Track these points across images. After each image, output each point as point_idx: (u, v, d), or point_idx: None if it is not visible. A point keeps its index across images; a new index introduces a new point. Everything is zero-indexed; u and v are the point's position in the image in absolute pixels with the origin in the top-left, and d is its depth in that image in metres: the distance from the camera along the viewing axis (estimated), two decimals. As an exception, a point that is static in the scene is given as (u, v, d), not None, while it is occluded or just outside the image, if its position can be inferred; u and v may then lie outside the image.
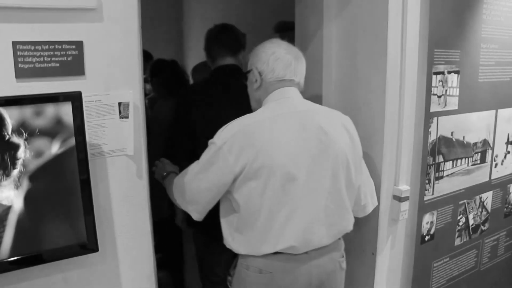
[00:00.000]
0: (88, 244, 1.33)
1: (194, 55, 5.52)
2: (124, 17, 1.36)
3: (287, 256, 1.52)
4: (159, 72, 3.14)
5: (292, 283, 1.54)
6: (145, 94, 3.08)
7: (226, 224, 1.56)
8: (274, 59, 1.55)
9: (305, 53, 2.18)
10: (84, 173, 1.28)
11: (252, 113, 1.55)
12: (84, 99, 1.31)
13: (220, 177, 1.46)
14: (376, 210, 1.96)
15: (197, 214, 1.56)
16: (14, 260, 1.23)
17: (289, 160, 1.45)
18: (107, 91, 1.37)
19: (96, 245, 1.35)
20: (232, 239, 1.55)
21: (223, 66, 2.23)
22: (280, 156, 1.44)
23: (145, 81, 3.32)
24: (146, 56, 4.34)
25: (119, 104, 1.39)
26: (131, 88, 1.40)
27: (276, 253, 1.51)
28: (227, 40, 2.24)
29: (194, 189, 1.52)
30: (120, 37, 1.36)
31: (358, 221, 2.08)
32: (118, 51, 1.37)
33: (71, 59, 1.30)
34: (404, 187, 1.98)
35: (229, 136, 1.45)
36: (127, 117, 1.40)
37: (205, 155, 1.50)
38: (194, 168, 1.53)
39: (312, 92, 2.18)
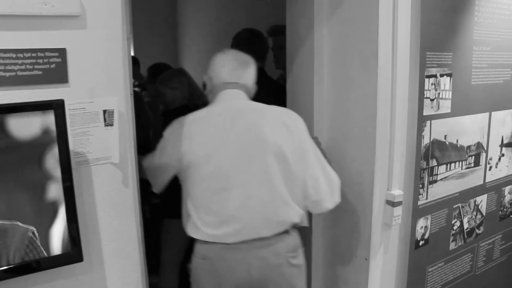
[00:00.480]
0: (72, 254, 1.31)
1: (188, 60, 5.51)
2: (108, 24, 1.34)
3: (225, 244, 1.64)
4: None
5: (230, 271, 1.65)
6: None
7: (183, 208, 1.76)
8: (220, 65, 1.78)
9: (297, 56, 2.19)
10: (67, 181, 1.26)
11: (196, 110, 1.76)
12: (67, 107, 1.29)
13: (164, 162, 1.73)
14: (369, 215, 1.94)
15: (155, 187, 1.83)
16: (-3, 271, 1.20)
17: (217, 153, 1.63)
18: (91, 98, 1.35)
19: (80, 255, 1.33)
20: (185, 222, 1.74)
21: None
22: (209, 149, 1.63)
23: (141, 86, 3.30)
24: (135, 61, 4.33)
25: (104, 111, 1.37)
26: (116, 95, 1.38)
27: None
28: (257, 46, 2.52)
29: (152, 167, 1.79)
30: (105, 44, 1.34)
31: (349, 225, 2.07)
32: (103, 58, 1.35)
33: (54, 66, 1.28)
34: (397, 192, 1.96)
35: (172, 130, 1.73)
36: (112, 125, 1.38)
37: (159, 143, 1.78)
38: (154, 152, 1.80)
39: (304, 95, 2.16)
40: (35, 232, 1.25)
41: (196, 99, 2.71)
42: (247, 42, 2.57)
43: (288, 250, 1.71)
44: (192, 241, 1.77)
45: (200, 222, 1.66)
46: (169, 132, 1.74)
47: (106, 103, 1.37)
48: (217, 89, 1.77)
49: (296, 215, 1.70)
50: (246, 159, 1.62)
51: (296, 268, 1.75)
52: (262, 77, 2.51)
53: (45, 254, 1.27)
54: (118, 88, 1.39)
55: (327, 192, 1.74)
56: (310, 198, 1.73)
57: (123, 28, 1.39)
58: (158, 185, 1.82)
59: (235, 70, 1.76)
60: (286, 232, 1.71)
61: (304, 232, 2.27)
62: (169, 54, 5.55)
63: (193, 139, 1.65)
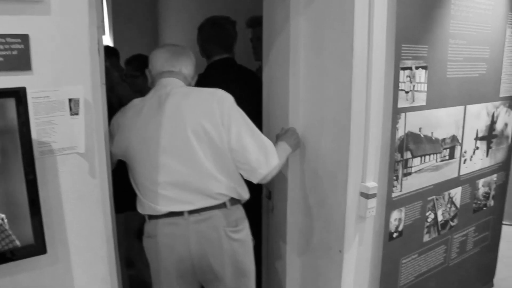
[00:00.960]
0: (35, 246, 1.27)
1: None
2: (73, 10, 1.30)
3: (167, 220, 1.76)
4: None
5: (172, 248, 1.76)
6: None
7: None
8: (155, 58, 1.93)
9: (273, 48, 2.16)
10: (30, 174, 1.23)
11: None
12: (31, 95, 1.26)
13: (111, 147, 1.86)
14: (343, 207, 1.94)
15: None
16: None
17: (147, 135, 1.75)
18: (56, 87, 1.31)
19: (44, 247, 1.29)
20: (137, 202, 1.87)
21: (218, 61, 2.53)
22: (137, 131, 1.77)
23: (134, 77, 3.20)
24: (113, 52, 4.20)
25: (70, 100, 1.33)
26: (82, 84, 1.34)
27: (156, 217, 1.77)
28: (220, 37, 2.52)
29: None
30: (70, 31, 1.30)
31: (324, 218, 2.07)
32: (68, 46, 1.31)
33: (16, 53, 1.24)
34: (372, 184, 1.96)
35: (114, 117, 1.88)
36: (77, 114, 1.34)
37: None
38: None
39: (279, 86, 2.15)
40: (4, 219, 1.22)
41: None
42: (208, 34, 2.56)
43: (227, 224, 1.79)
44: None
45: (142, 198, 1.80)
46: (112, 120, 1.88)
47: (71, 91, 1.33)
48: (154, 79, 1.91)
49: (223, 188, 1.78)
50: (171, 138, 1.73)
51: (238, 242, 1.82)
52: (229, 66, 2.51)
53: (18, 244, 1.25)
54: (84, 77, 1.35)
55: (260, 159, 1.79)
56: (242, 167, 1.80)
57: (91, 16, 1.35)
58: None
59: (168, 60, 1.89)
60: (223, 205, 1.79)
61: (279, 222, 2.28)
62: (150, 45, 5.47)
63: (126, 125, 1.80)
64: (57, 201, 1.37)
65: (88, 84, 1.35)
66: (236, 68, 2.60)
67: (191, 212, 1.76)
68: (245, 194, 1.89)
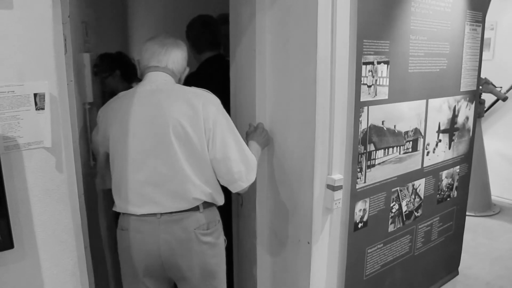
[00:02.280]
0: (1, 241, 1.27)
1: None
2: (36, 5, 1.30)
3: (137, 216, 1.76)
4: (118, 66, 3.02)
5: (142, 243, 1.77)
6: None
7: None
8: (144, 50, 1.86)
9: (239, 44, 2.19)
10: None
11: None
12: (-5, 90, 1.25)
13: (97, 138, 1.91)
14: (310, 200, 1.99)
15: (98, 164, 2.00)
16: None
17: (127, 130, 1.73)
18: (21, 81, 1.30)
19: (10, 242, 1.29)
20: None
21: (210, 58, 2.60)
22: (118, 124, 1.75)
23: (103, 77, 3.12)
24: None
25: (35, 95, 1.33)
26: (47, 78, 1.34)
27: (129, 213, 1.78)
28: (210, 36, 2.60)
29: (93, 143, 1.98)
30: (33, 25, 1.30)
31: (292, 211, 2.11)
32: (32, 40, 1.30)
33: (-22, 47, 1.23)
34: (337, 176, 2.01)
35: (102, 108, 1.88)
36: (43, 109, 1.34)
37: None
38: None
39: (246, 82, 2.18)
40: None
41: None
42: (196, 31, 2.61)
43: (197, 227, 1.78)
44: None
45: (116, 195, 1.80)
46: (100, 110, 1.88)
47: (36, 86, 1.33)
48: (143, 73, 1.86)
49: (200, 193, 1.76)
50: (151, 137, 1.72)
51: (208, 245, 1.81)
52: (217, 63, 2.53)
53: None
54: (49, 71, 1.35)
55: (242, 172, 1.78)
56: (223, 177, 1.79)
57: (55, 11, 1.35)
58: (99, 161, 1.98)
59: (155, 54, 1.83)
60: (196, 208, 1.78)
61: (248, 217, 2.31)
62: (119, 41, 5.41)
63: (109, 117, 1.80)
64: (24, 196, 1.36)
65: (53, 79, 1.35)
66: (227, 64, 2.64)
67: (163, 213, 1.75)
68: (220, 200, 1.86)
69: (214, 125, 1.73)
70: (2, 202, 1.26)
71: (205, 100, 1.75)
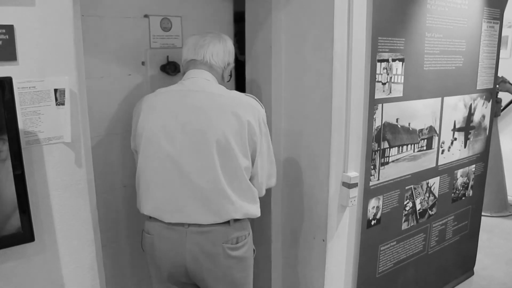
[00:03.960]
0: (23, 234, 1.30)
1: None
2: (58, 1, 1.32)
3: (165, 223, 1.65)
4: None
5: (167, 250, 1.67)
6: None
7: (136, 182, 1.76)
8: (184, 44, 1.77)
9: (255, 41, 2.21)
10: (18, 168, 1.25)
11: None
12: (17, 86, 1.28)
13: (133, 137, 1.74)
14: (325, 197, 1.99)
15: None
16: None
17: (162, 131, 1.60)
18: (42, 77, 1.33)
19: (31, 235, 1.32)
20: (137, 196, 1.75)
21: None
22: (154, 123, 1.62)
23: None
24: None
25: (55, 90, 1.36)
26: (67, 74, 1.37)
27: (156, 219, 1.67)
28: None
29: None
30: (54, 22, 1.33)
31: (307, 208, 2.12)
32: (53, 36, 1.33)
33: (1, 43, 1.26)
34: (353, 174, 2.01)
35: (138, 102, 1.74)
36: (63, 104, 1.37)
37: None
38: None
39: (262, 80, 2.19)
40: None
41: None
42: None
43: (226, 241, 1.65)
44: None
45: (144, 197, 1.68)
46: (136, 105, 1.74)
47: (57, 82, 1.36)
48: (183, 70, 1.77)
49: (238, 212, 1.65)
50: (191, 146, 1.59)
51: (236, 259, 1.69)
52: None
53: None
54: (69, 67, 1.38)
55: (263, 184, 1.75)
56: (256, 185, 1.73)
57: (75, 6, 1.38)
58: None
59: (193, 46, 1.72)
60: (227, 223, 1.65)
61: (262, 214, 2.32)
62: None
63: (145, 113, 1.66)
64: (44, 190, 1.39)
65: (73, 74, 1.38)
66: None
67: (192, 223, 1.64)
68: (256, 213, 1.73)
69: (260, 139, 1.67)
70: (23, 196, 1.28)
71: (253, 114, 1.64)
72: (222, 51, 1.73)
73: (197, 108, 1.60)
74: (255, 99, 1.72)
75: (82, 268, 1.52)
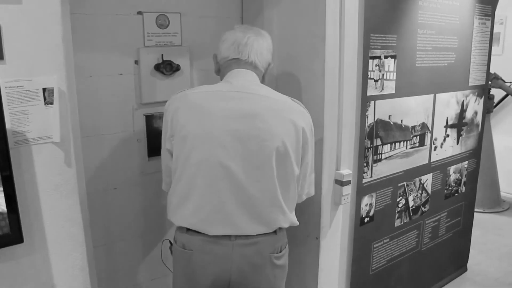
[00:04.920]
0: (11, 235, 1.28)
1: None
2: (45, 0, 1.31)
3: (208, 237, 1.51)
4: None
5: (210, 266, 1.53)
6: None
7: (170, 190, 1.62)
8: (222, 41, 1.61)
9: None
10: (6, 169, 1.24)
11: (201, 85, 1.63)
12: (4, 85, 1.26)
13: (165, 134, 1.58)
14: (318, 195, 1.99)
15: (165, 184, 1.70)
16: None
17: (212, 135, 1.47)
18: (30, 76, 1.31)
19: (20, 236, 1.30)
20: (168, 205, 1.62)
21: None
22: (203, 130, 1.48)
23: None
24: None
25: (44, 89, 1.34)
26: (56, 73, 1.35)
27: (198, 232, 1.53)
28: None
29: (162, 156, 1.66)
30: (42, 20, 1.31)
31: (301, 206, 2.11)
32: (41, 34, 1.31)
33: (-13, 42, 1.24)
34: (346, 171, 2.01)
35: (173, 98, 1.58)
36: (52, 103, 1.35)
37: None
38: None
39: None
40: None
41: None
42: None
43: (273, 250, 1.58)
44: None
45: (183, 207, 1.53)
46: (171, 102, 1.58)
47: (45, 81, 1.34)
48: (223, 69, 1.63)
49: (287, 221, 1.59)
50: (246, 150, 1.47)
51: (280, 268, 1.62)
52: None
53: None
54: (58, 66, 1.36)
55: (306, 191, 1.72)
56: (300, 193, 1.68)
57: (63, 4, 1.36)
58: (166, 181, 1.69)
59: (235, 44, 1.58)
60: (274, 232, 1.58)
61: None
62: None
63: (186, 112, 1.51)
64: (33, 191, 1.37)
65: (62, 73, 1.36)
66: None
67: (238, 235, 1.53)
68: (296, 220, 1.67)
69: (309, 146, 1.60)
70: (11, 196, 1.27)
71: (304, 121, 1.56)
72: (266, 49, 1.63)
73: (252, 113, 1.47)
74: (301, 105, 1.61)
75: (73, 269, 1.51)
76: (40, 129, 1.36)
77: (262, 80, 1.65)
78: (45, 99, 1.35)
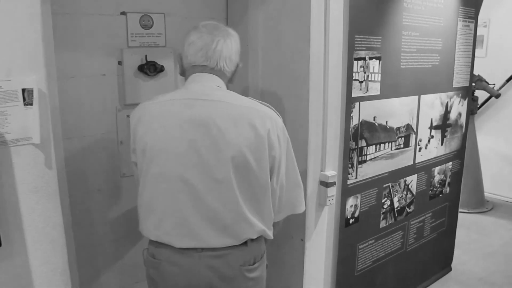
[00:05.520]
0: (-11, 239, 1.26)
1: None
2: (24, -2, 1.28)
3: (175, 249, 1.46)
4: None
5: (176, 277, 1.49)
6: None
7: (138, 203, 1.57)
8: (188, 43, 1.50)
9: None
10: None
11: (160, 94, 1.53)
12: (-19, 86, 1.23)
13: (130, 147, 1.54)
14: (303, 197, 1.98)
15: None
16: None
17: (169, 148, 1.41)
18: (8, 76, 1.29)
19: (-2, 239, 1.28)
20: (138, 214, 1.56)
21: None
22: (160, 142, 1.42)
23: None
24: None
25: (23, 90, 1.32)
26: (36, 73, 1.33)
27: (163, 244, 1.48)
28: None
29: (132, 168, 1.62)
30: (21, 20, 1.28)
31: (285, 208, 2.11)
32: (20, 34, 1.29)
33: (-36, 42, 1.22)
34: (331, 173, 2.01)
35: (135, 110, 1.52)
36: (31, 104, 1.33)
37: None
38: None
39: (238, 79, 2.16)
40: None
41: None
42: None
43: (244, 263, 1.51)
44: None
45: (148, 219, 1.49)
46: (134, 113, 1.52)
47: (25, 81, 1.31)
48: (187, 72, 1.53)
49: (254, 232, 1.49)
50: (203, 162, 1.40)
51: (253, 281, 1.55)
52: None
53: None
54: (38, 66, 1.33)
55: (284, 207, 1.62)
56: (274, 208, 1.57)
57: (44, 4, 1.34)
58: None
59: (203, 49, 1.47)
60: (244, 244, 1.50)
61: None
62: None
63: (145, 125, 1.45)
64: (12, 193, 1.34)
65: (42, 74, 1.33)
66: None
67: (206, 247, 1.47)
68: (271, 235, 1.59)
69: (282, 152, 1.51)
70: (-11, 199, 1.24)
71: (272, 125, 1.45)
72: (235, 52, 1.53)
73: (208, 121, 1.40)
74: (271, 108, 1.53)
75: (54, 272, 1.48)
76: (20, 131, 1.34)
77: (229, 82, 1.57)
78: (24, 99, 1.33)
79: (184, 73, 1.55)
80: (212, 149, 1.39)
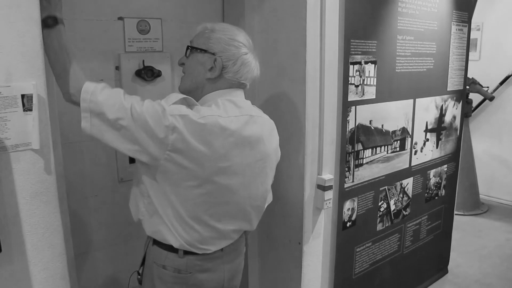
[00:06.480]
0: (-12, 245, 1.26)
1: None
2: (23, 4, 1.29)
3: (205, 256, 1.48)
4: None
5: (207, 283, 1.50)
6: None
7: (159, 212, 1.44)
8: (242, 62, 1.44)
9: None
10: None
11: (215, 106, 1.39)
12: (-19, 92, 1.24)
13: (149, 139, 1.30)
14: (301, 200, 1.99)
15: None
16: None
17: (246, 171, 1.43)
18: (8, 82, 1.29)
19: (-2, 244, 1.28)
20: (162, 228, 1.46)
21: None
22: (241, 161, 1.41)
23: None
24: None
25: (22, 96, 1.32)
26: (35, 79, 1.33)
27: (195, 253, 1.46)
28: None
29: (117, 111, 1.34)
30: (20, 25, 1.29)
31: (283, 213, 2.11)
32: (19, 40, 1.30)
33: (-36, 48, 1.22)
34: (328, 176, 2.02)
35: (199, 117, 1.31)
36: (31, 110, 1.33)
37: (154, 106, 1.31)
38: (138, 100, 1.34)
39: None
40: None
41: None
42: None
43: (243, 246, 1.67)
44: None
45: (185, 232, 1.42)
46: (189, 121, 1.30)
47: (24, 87, 1.32)
48: (225, 84, 1.45)
49: (255, 223, 1.62)
50: (253, 174, 1.46)
51: (243, 256, 1.71)
52: None
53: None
54: (37, 72, 1.34)
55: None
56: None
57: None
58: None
59: (253, 72, 1.49)
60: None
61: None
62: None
63: (225, 143, 1.36)
64: (12, 199, 1.34)
65: (41, 79, 1.34)
66: None
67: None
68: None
69: (279, 154, 1.64)
70: (-11, 204, 1.24)
71: (277, 136, 1.61)
72: None
73: (259, 137, 1.45)
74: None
75: (54, 278, 1.48)
76: (19, 136, 1.34)
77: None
78: (24, 105, 1.33)
79: (215, 79, 1.44)
80: (259, 162, 1.47)
